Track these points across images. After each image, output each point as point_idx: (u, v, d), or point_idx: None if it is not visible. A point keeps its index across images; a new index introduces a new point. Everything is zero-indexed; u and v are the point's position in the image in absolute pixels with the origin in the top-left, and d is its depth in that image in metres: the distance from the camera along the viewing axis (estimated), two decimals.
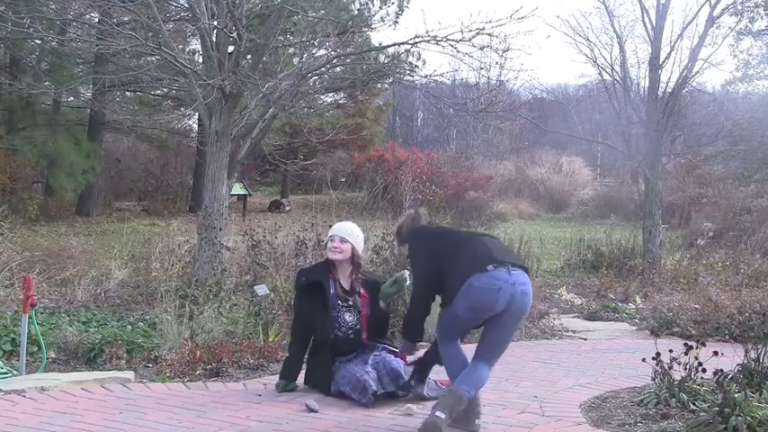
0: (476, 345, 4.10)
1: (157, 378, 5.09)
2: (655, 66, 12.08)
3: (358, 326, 4.75)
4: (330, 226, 7.79)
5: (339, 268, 4.83)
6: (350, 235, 4.82)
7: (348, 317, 4.75)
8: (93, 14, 13.34)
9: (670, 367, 4.41)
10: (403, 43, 9.46)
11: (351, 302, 4.78)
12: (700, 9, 12.19)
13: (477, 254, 3.94)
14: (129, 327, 6.67)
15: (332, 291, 4.77)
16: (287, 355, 4.88)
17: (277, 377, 4.83)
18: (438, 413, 3.69)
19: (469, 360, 4.03)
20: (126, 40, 8.98)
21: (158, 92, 19.34)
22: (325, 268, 4.89)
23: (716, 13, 11.99)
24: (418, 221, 4.40)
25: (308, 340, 4.77)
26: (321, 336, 4.69)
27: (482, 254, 3.93)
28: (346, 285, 4.82)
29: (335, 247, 4.78)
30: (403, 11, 12.49)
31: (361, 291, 4.82)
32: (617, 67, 12.58)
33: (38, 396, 4.41)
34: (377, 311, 4.80)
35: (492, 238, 4.34)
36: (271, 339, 5.95)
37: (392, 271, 6.58)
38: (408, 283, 4.79)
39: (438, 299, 4.18)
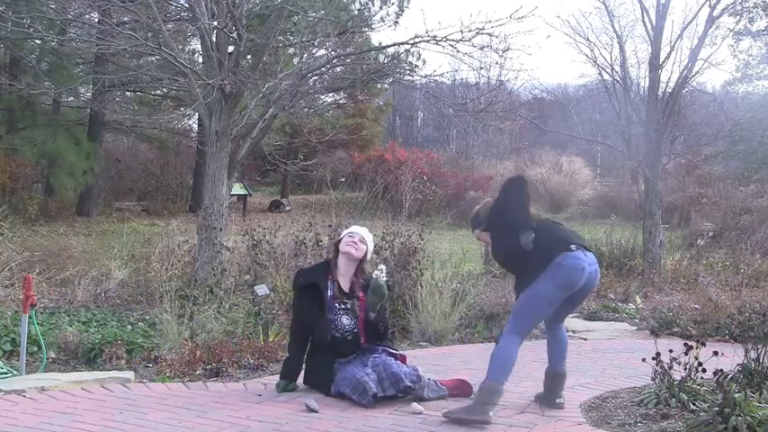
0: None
1: (157, 378, 5.09)
2: (655, 66, 12.07)
3: (355, 329, 4.74)
4: (330, 226, 7.84)
5: (343, 268, 4.83)
6: (368, 239, 4.92)
7: (345, 320, 4.74)
8: (93, 14, 13.34)
9: (670, 367, 4.40)
10: (403, 43, 9.47)
11: (349, 305, 4.77)
12: (699, 9, 12.18)
13: (560, 236, 4.27)
14: (129, 327, 6.67)
15: (329, 292, 4.76)
16: (287, 355, 4.88)
17: (277, 377, 4.83)
18: (558, 400, 4.36)
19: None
20: (126, 40, 8.99)
21: (158, 92, 19.35)
22: (324, 269, 4.89)
23: (716, 13, 11.98)
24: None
25: (308, 340, 4.77)
26: (318, 337, 4.69)
27: (562, 236, 4.27)
28: (346, 287, 4.82)
29: (355, 242, 4.82)
30: (403, 11, 12.51)
31: (360, 294, 4.82)
32: (617, 67, 12.57)
33: (38, 396, 4.41)
34: (367, 319, 4.79)
35: (560, 223, 4.56)
36: (271, 339, 5.95)
37: (392, 271, 6.58)
38: (386, 279, 4.82)
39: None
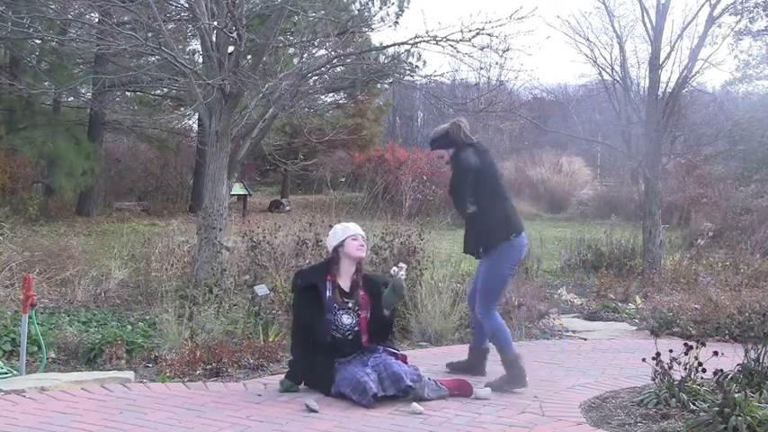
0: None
1: (157, 378, 5.09)
2: (655, 66, 12.06)
3: (356, 328, 4.73)
4: (331, 226, 7.82)
5: (342, 268, 4.82)
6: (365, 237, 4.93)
7: (346, 319, 4.73)
8: (93, 14, 13.34)
9: (670, 367, 4.41)
10: (403, 43, 9.46)
11: (349, 305, 4.77)
12: (700, 9, 12.17)
13: (515, 218, 4.97)
14: (129, 327, 6.67)
15: (329, 293, 4.75)
16: (291, 358, 4.87)
17: (277, 377, 4.83)
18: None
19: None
20: (126, 40, 8.98)
21: (158, 92, 19.35)
22: (323, 269, 4.89)
23: (716, 13, 11.98)
24: (465, 133, 5.00)
25: (309, 341, 4.77)
26: (318, 338, 4.68)
27: (517, 218, 4.99)
28: (346, 286, 4.81)
29: (362, 246, 4.84)
30: (403, 11, 12.51)
31: (361, 292, 4.81)
32: (617, 67, 12.56)
33: (38, 396, 4.41)
34: (380, 317, 4.78)
35: (508, 197, 5.12)
36: (271, 339, 5.95)
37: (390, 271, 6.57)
38: (405, 277, 4.84)
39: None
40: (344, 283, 4.82)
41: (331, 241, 4.93)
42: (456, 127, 5.00)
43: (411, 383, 4.41)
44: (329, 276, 4.81)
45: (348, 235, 4.87)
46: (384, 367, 4.48)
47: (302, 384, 4.73)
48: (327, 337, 4.67)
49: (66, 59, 16.40)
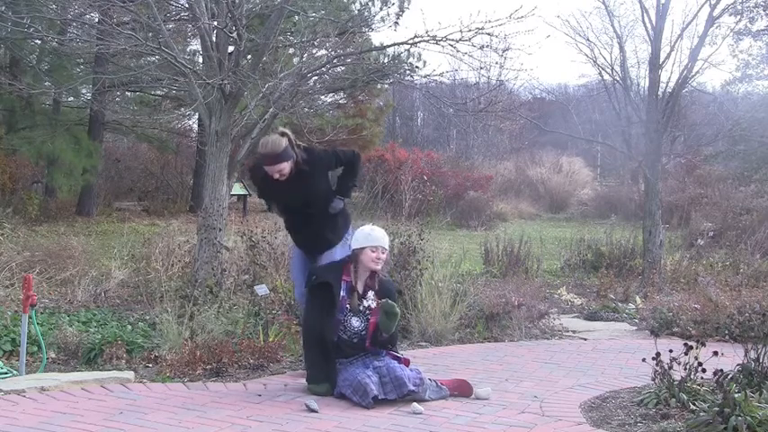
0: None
1: (157, 378, 5.09)
2: (655, 66, 12.05)
3: (364, 332, 4.71)
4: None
5: (359, 271, 4.78)
6: (386, 241, 4.82)
7: (355, 322, 4.71)
8: (93, 14, 13.32)
9: (670, 367, 4.41)
10: (403, 43, 9.45)
11: (360, 308, 4.74)
12: (700, 9, 12.15)
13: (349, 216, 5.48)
14: (129, 327, 6.66)
15: (342, 293, 4.73)
16: (305, 359, 4.87)
17: (277, 377, 4.84)
18: None
19: None
20: (126, 40, 8.96)
21: (158, 92, 19.31)
22: (339, 268, 4.84)
23: (716, 13, 11.95)
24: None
25: (320, 339, 4.74)
26: (326, 337, 4.67)
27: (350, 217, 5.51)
28: (360, 289, 4.79)
29: (380, 258, 4.76)
30: (403, 11, 12.45)
31: (372, 295, 4.78)
32: (617, 67, 12.54)
33: (38, 396, 4.41)
34: (380, 335, 4.73)
35: None
36: (271, 339, 5.95)
37: (391, 271, 6.57)
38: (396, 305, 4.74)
39: None
40: (360, 284, 4.79)
41: (353, 241, 4.85)
42: (289, 140, 5.00)
43: (413, 388, 4.41)
44: (345, 276, 4.78)
45: (369, 244, 4.77)
46: (387, 371, 4.48)
47: (303, 383, 4.73)
48: (334, 337, 4.66)
49: (66, 59, 16.36)
